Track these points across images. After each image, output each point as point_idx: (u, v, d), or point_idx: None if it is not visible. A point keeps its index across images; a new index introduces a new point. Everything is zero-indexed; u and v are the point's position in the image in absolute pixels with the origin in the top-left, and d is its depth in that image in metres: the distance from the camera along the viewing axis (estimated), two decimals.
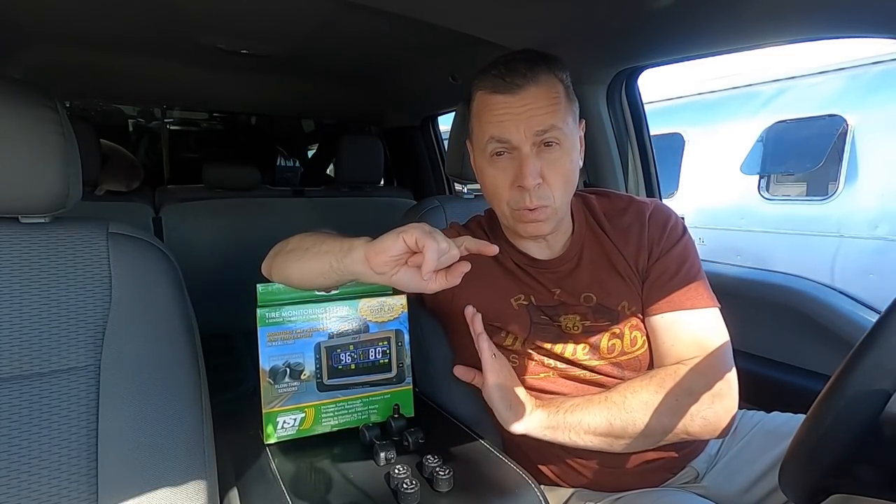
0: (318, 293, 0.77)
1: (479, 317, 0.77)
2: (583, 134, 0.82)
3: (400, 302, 0.82)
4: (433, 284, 0.59)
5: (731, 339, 0.77)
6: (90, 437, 0.62)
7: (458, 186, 1.93)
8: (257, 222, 1.87)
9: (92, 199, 1.65)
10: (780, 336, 1.19)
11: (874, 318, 0.55)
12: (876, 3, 0.74)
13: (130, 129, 3.27)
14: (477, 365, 0.84)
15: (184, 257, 0.76)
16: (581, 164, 0.80)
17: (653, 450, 0.79)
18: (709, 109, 3.70)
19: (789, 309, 1.17)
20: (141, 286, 0.68)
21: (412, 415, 0.83)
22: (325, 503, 0.64)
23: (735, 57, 1.07)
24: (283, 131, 3.57)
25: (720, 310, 0.79)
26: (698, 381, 0.73)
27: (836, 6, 0.78)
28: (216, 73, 1.76)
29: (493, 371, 0.77)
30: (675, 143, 3.70)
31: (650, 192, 1.39)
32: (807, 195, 3.27)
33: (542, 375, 0.82)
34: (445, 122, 2.41)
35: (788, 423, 0.87)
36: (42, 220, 0.66)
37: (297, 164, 3.25)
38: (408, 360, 0.83)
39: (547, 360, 0.82)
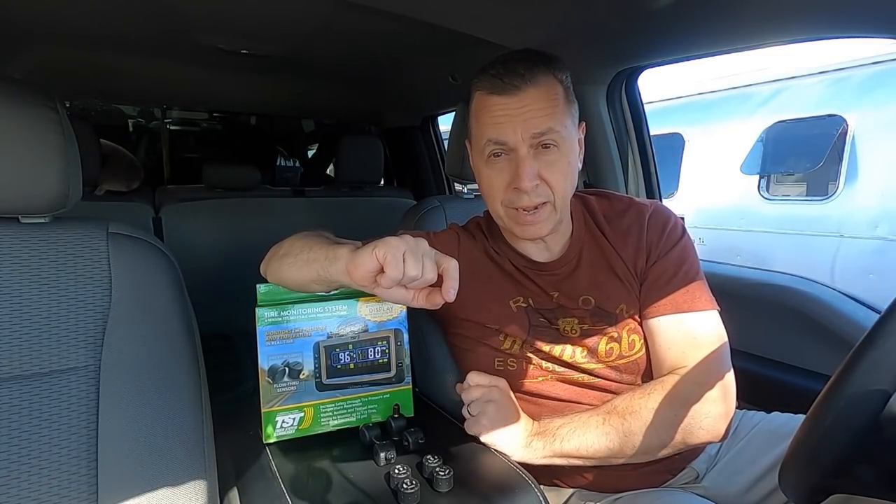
0: (317, 293, 0.77)
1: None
2: (583, 136, 0.82)
3: None
4: (414, 302, 0.59)
5: (732, 339, 0.77)
6: (90, 437, 0.62)
7: (458, 186, 1.93)
8: (257, 222, 1.87)
9: (92, 199, 1.64)
10: (780, 336, 1.19)
11: (874, 318, 0.55)
12: (876, 3, 0.74)
13: (130, 129, 3.27)
14: (473, 366, 0.84)
15: (184, 257, 0.76)
16: (580, 166, 0.80)
17: None
18: (709, 109, 3.70)
19: (789, 309, 1.17)
20: (141, 286, 0.68)
21: (412, 415, 0.83)
22: (325, 503, 0.64)
23: (735, 57, 1.07)
24: (283, 131, 3.58)
25: (720, 310, 0.79)
26: (695, 390, 0.73)
27: (836, 6, 0.78)
28: (216, 73, 1.76)
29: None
30: (674, 143, 3.70)
31: (650, 192, 1.39)
32: (807, 195, 3.26)
33: (539, 379, 0.82)
34: (445, 122, 2.41)
35: (788, 424, 0.87)
36: (42, 220, 0.66)
37: (297, 164, 3.25)
38: (407, 360, 0.83)
39: (545, 364, 0.82)
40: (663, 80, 4.88)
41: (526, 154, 0.74)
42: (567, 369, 0.81)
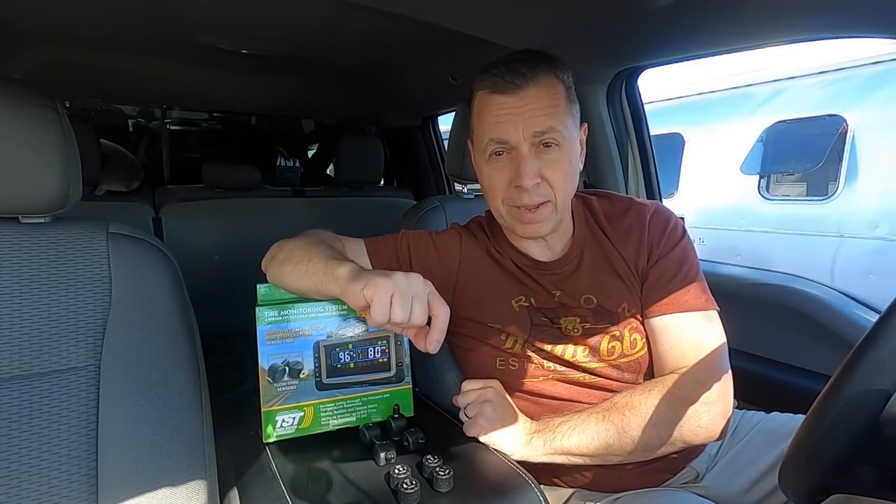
0: None
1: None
2: (584, 137, 0.82)
3: None
4: (404, 335, 0.60)
5: (731, 339, 0.77)
6: (90, 437, 0.62)
7: (458, 186, 1.93)
8: (257, 222, 1.87)
9: (92, 199, 1.65)
10: (780, 336, 1.19)
11: (874, 318, 0.55)
12: (876, 3, 0.75)
13: (130, 129, 3.27)
14: (473, 368, 0.84)
15: (184, 257, 0.76)
16: (581, 166, 0.80)
17: None
18: (709, 109, 3.70)
19: (789, 309, 1.17)
20: (141, 286, 0.68)
21: (412, 414, 0.83)
22: (324, 503, 0.64)
23: (735, 57, 1.07)
24: (283, 131, 3.58)
25: (719, 310, 0.79)
26: (694, 389, 0.73)
27: (836, 6, 0.78)
28: (216, 73, 1.76)
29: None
30: (674, 143, 3.70)
31: (650, 192, 1.39)
32: (807, 195, 3.26)
33: (541, 378, 0.82)
34: (445, 122, 2.41)
35: (788, 424, 0.87)
36: (42, 220, 0.66)
37: (297, 164, 3.25)
38: (407, 360, 0.83)
39: (546, 363, 0.82)
40: (663, 81, 4.88)
41: (527, 152, 0.74)
42: (568, 369, 0.82)
